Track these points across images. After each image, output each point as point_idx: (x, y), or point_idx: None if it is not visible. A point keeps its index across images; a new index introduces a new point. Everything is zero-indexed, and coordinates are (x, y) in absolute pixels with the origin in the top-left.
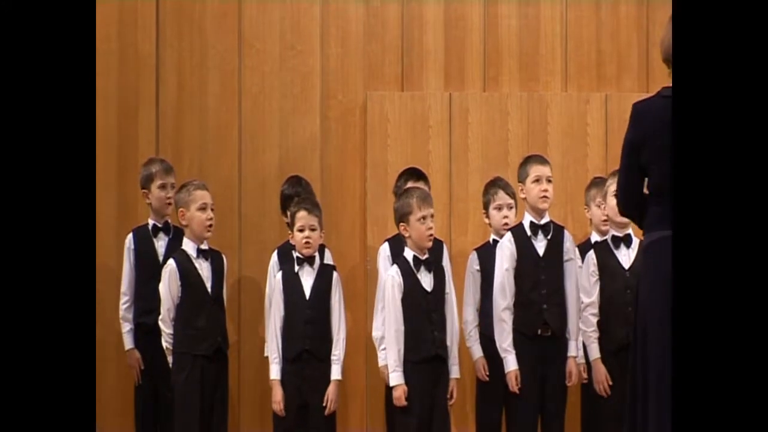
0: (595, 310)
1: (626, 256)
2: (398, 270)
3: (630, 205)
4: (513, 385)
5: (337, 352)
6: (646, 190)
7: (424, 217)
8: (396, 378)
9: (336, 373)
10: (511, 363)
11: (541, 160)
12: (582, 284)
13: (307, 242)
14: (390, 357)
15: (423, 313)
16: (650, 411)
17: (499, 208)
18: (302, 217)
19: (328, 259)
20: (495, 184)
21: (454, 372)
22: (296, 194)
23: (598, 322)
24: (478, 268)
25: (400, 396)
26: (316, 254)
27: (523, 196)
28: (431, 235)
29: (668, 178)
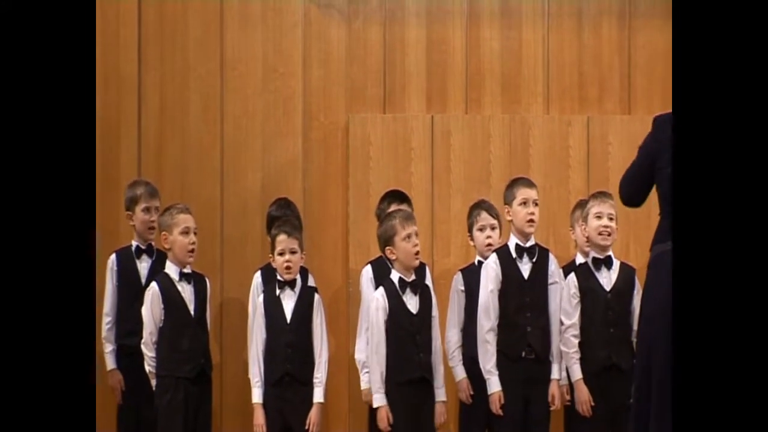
0: (576, 332)
1: (607, 278)
2: (384, 292)
3: (633, 197)
4: (496, 407)
5: (320, 374)
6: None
7: (409, 236)
8: (379, 400)
9: (318, 396)
10: (494, 385)
11: (529, 183)
12: (563, 306)
13: (287, 266)
14: (373, 379)
15: (408, 335)
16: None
17: (482, 229)
18: (282, 240)
19: (311, 281)
20: (479, 206)
21: (441, 395)
22: (284, 216)
23: (580, 344)
24: (462, 288)
25: (383, 417)
26: (298, 277)
27: (509, 218)
28: (418, 252)
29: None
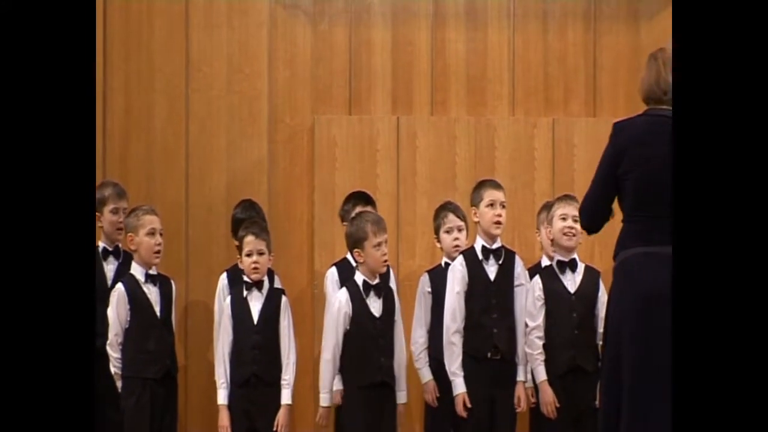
0: (541, 333)
1: (571, 281)
2: (347, 294)
3: (597, 217)
4: (460, 408)
5: (288, 376)
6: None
7: (379, 244)
8: (325, 399)
9: (287, 397)
10: (459, 386)
11: (496, 185)
12: (528, 308)
13: (255, 267)
14: (323, 378)
15: (370, 338)
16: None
17: (450, 231)
18: (250, 241)
19: (277, 283)
20: (445, 208)
21: (401, 398)
22: (249, 218)
23: (544, 346)
24: (429, 290)
25: (323, 416)
26: (265, 278)
27: (476, 219)
28: (386, 261)
29: (645, 185)
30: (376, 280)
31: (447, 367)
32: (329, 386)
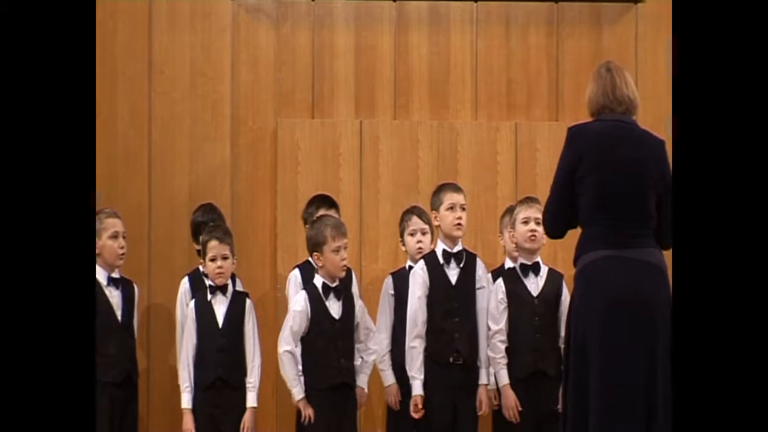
0: (504, 337)
1: (534, 284)
2: (306, 297)
3: (559, 223)
4: (414, 409)
5: (252, 379)
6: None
7: (338, 248)
8: (297, 393)
9: (252, 400)
10: (416, 388)
11: (456, 188)
12: (490, 311)
13: (219, 272)
14: (286, 376)
15: (330, 340)
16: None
17: (414, 234)
18: (214, 246)
19: (239, 286)
20: (410, 212)
21: (361, 381)
22: (211, 222)
23: (507, 349)
24: (392, 292)
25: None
26: (229, 282)
27: (436, 223)
28: (344, 265)
29: (603, 188)
30: (336, 283)
31: (408, 370)
32: (298, 379)
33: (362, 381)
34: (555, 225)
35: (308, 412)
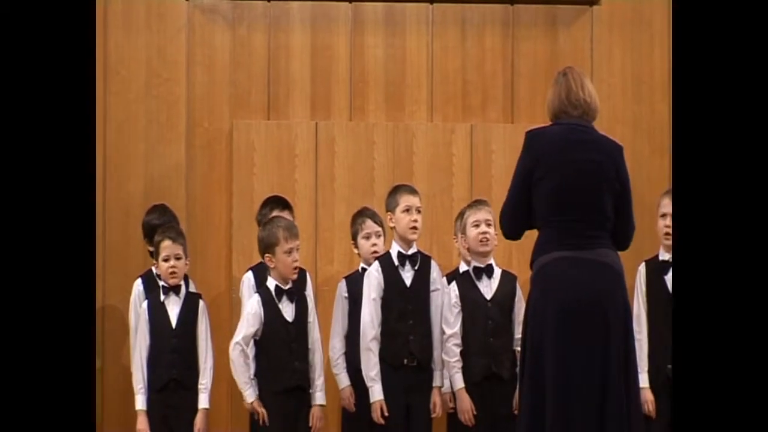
0: (458, 341)
1: (488, 287)
2: (259, 300)
3: (516, 225)
4: (377, 415)
5: (205, 380)
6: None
7: (290, 250)
8: (250, 395)
9: (204, 401)
10: (376, 393)
11: (411, 190)
12: (444, 315)
13: (172, 272)
14: (238, 379)
15: (283, 343)
16: (548, 424)
17: (368, 237)
18: (167, 246)
19: (193, 287)
20: (362, 214)
21: (318, 399)
22: (164, 223)
23: (461, 353)
24: (346, 295)
25: (255, 410)
26: (182, 283)
27: (391, 225)
28: (296, 268)
29: (560, 191)
30: (289, 285)
31: (364, 374)
32: (251, 385)
33: (320, 399)
34: (511, 227)
35: (262, 411)
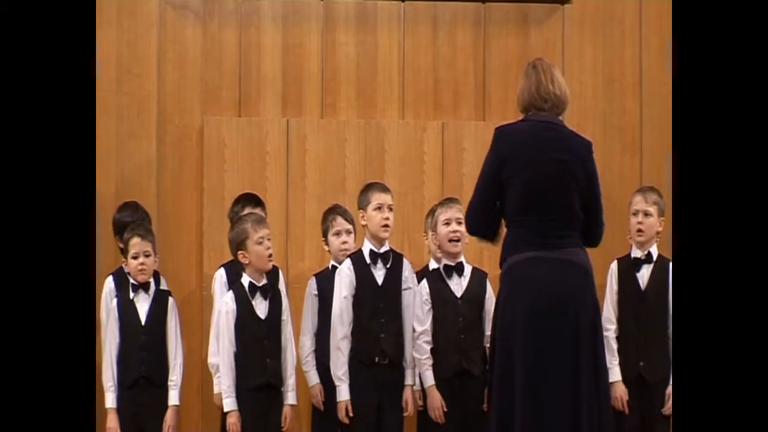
0: (429, 338)
1: (458, 285)
2: (233, 296)
3: (482, 223)
4: (342, 415)
5: (175, 377)
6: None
7: (261, 239)
8: (230, 404)
9: (174, 398)
10: (343, 393)
11: (383, 188)
12: (415, 312)
13: (141, 269)
14: (224, 383)
15: (256, 340)
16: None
17: (338, 234)
18: (136, 243)
19: (163, 284)
20: (333, 211)
21: (290, 398)
22: (135, 221)
23: (432, 350)
24: (316, 293)
25: (234, 422)
26: (151, 280)
27: (363, 223)
28: (271, 255)
29: (529, 189)
30: (263, 281)
31: (332, 372)
32: (234, 389)
33: (291, 398)
34: (478, 226)
35: (233, 422)
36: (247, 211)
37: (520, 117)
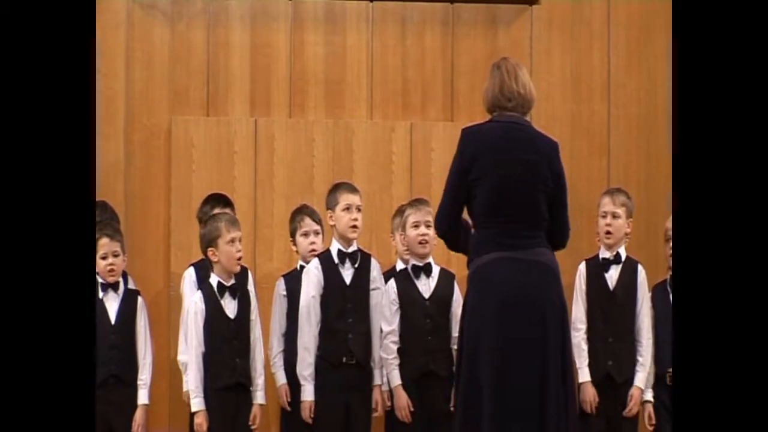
0: (396, 338)
1: (426, 285)
2: (202, 296)
3: (450, 225)
4: (306, 415)
5: (144, 376)
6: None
7: (233, 240)
8: (197, 404)
9: (143, 397)
10: (308, 393)
11: (351, 189)
12: (383, 312)
13: (110, 269)
14: (191, 383)
15: (225, 340)
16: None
17: (306, 235)
18: (105, 244)
19: (131, 284)
20: (301, 211)
21: (259, 398)
22: (103, 221)
23: (399, 350)
24: (284, 293)
25: (201, 422)
26: (120, 280)
27: (331, 223)
28: (240, 257)
29: (497, 191)
30: (232, 281)
31: (298, 372)
32: (202, 388)
33: (259, 398)
34: (448, 229)
35: (199, 422)
36: (216, 211)
37: (488, 118)
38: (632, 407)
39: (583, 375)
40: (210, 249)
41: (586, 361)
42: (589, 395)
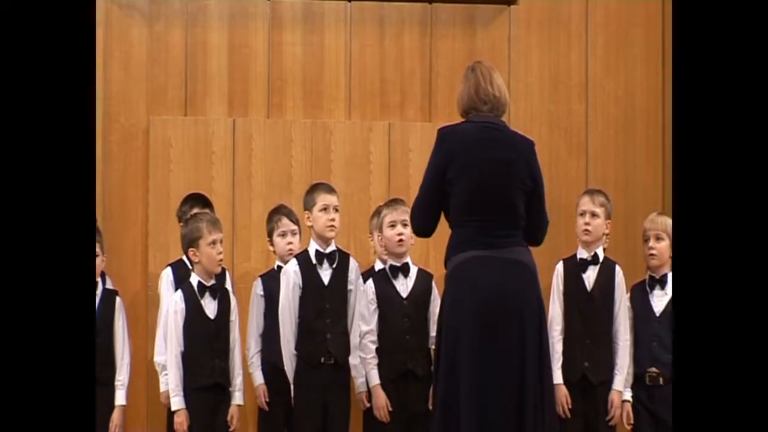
0: (374, 338)
1: (404, 285)
2: (182, 295)
3: (428, 223)
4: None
5: (122, 377)
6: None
7: (214, 242)
8: (177, 402)
9: (121, 398)
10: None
11: (329, 189)
12: (361, 312)
13: None
14: (171, 382)
15: (205, 340)
16: (462, 421)
17: (284, 235)
18: None
19: (109, 284)
20: (278, 212)
21: (237, 398)
22: None
23: (377, 350)
24: (262, 293)
25: (181, 422)
26: (99, 280)
27: (309, 224)
28: (221, 259)
29: (474, 190)
30: (212, 281)
31: (288, 373)
32: (180, 388)
33: (238, 398)
34: (423, 225)
35: (180, 421)
36: (195, 211)
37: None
38: (614, 413)
39: (556, 377)
40: (191, 249)
41: (560, 363)
42: (561, 397)
